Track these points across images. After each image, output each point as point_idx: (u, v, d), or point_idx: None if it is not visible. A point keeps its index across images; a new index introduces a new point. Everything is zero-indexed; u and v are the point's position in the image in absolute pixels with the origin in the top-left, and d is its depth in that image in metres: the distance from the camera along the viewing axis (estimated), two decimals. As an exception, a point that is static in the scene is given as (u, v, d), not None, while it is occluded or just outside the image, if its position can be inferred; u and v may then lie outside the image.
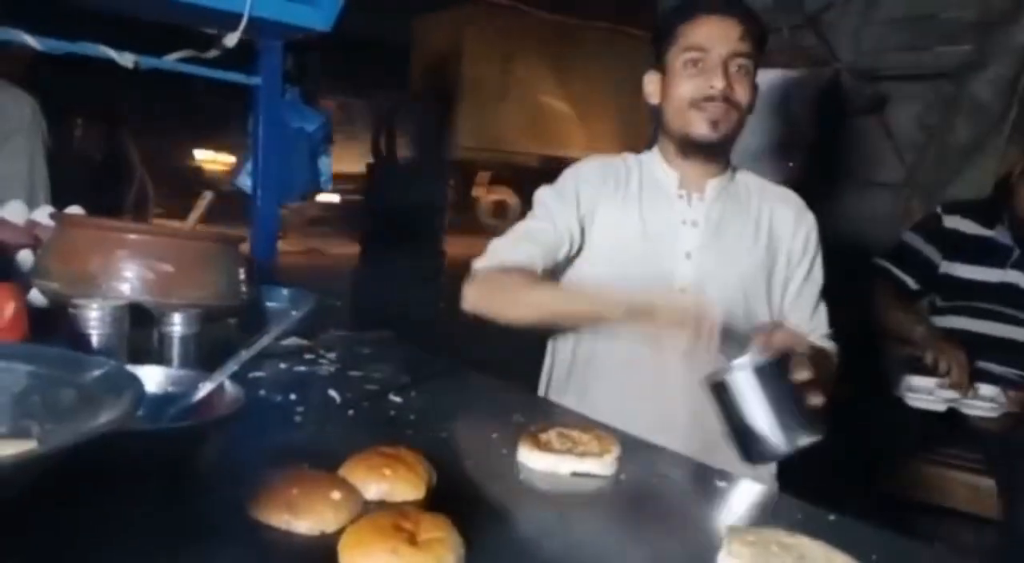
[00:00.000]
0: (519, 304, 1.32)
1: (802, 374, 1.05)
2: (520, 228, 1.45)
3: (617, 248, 1.44)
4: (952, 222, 2.23)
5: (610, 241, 1.45)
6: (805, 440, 1.03)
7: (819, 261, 1.49)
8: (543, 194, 1.48)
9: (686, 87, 1.38)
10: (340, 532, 0.65)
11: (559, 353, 1.54)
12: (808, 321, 1.47)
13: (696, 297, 1.23)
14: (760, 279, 1.44)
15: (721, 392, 1.04)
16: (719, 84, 1.35)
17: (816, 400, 1.07)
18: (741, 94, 1.37)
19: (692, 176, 1.46)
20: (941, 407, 2.04)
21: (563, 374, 1.51)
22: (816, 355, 1.26)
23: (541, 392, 1.55)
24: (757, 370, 1.02)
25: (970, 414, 2.03)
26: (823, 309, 1.50)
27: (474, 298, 1.35)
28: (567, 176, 1.50)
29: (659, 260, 1.42)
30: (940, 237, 2.24)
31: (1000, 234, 2.16)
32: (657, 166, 1.49)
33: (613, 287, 1.35)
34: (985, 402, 2.02)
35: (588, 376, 1.45)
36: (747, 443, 1.04)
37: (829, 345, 1.47)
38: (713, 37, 1.36)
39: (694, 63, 1.37)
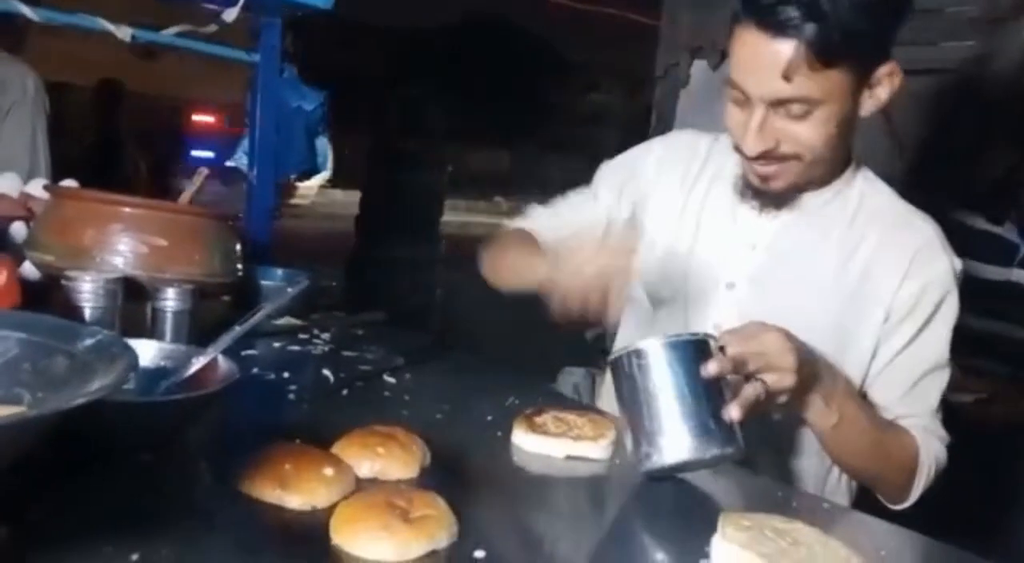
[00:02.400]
0: (503, 269, 1.15)
1: (711, 367, 0.81)
2: (565, 196, 1.30)
3: (661, 255, 1.16)
4: (960, 216, 2.21)
5: (657, 243, 1.17)
6: (715, 451, 0.81)
7: (938, 328, 1.06)
8: (603, 165, 1.30)
9: (729, 123, 1.04)
10: (332, 508, 0.65)
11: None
12: (897, 402, 1.06)
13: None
14: (830, 336, 1.03)
15: (622, 374, 0.84)
16: (751, 149, 0.99)
17: (733, 413, 0.82)
18: (794, 145, 0.99)
19: None
20: None
21: None
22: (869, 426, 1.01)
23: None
24: (670, 351, 0.81)
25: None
26: (930, 392, 1.07)
27: (484, 263, 1.21)
28: (633, 150, 1.27)
29: (700, 284, 1.12)
30: (951, 235, 2.21)
31: (1008, 231, 2.14)
32: (732, 158, 1.11)
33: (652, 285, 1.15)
34: None
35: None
36: (644, 441, 0.82)
37: (918, 437, 1.04)
38: (751, 70, 0.96)
39: (736, 102, 1.01)
